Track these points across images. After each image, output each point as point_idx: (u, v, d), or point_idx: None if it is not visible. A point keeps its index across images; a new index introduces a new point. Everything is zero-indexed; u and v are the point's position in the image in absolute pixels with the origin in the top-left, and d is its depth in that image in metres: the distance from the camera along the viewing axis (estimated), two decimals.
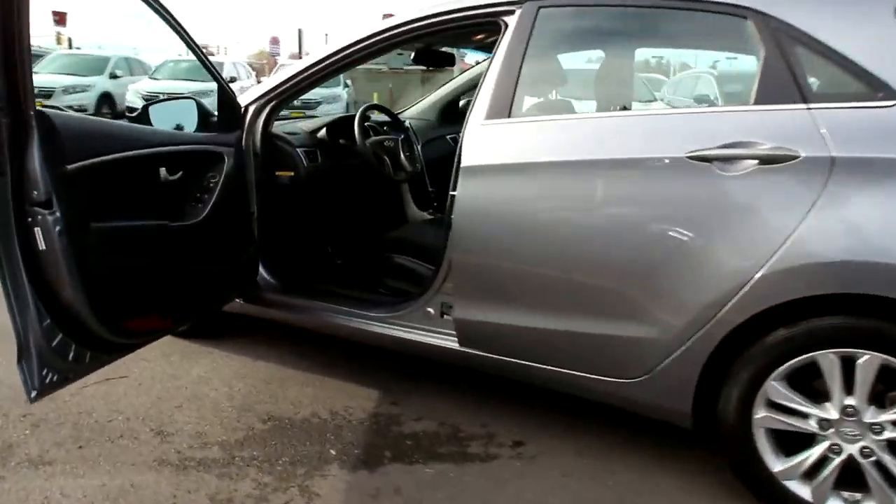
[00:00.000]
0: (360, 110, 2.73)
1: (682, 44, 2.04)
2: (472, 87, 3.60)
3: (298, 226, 2.67)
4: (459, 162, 2.03)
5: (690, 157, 1.68)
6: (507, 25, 2.04)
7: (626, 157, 1.79)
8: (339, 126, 2.79)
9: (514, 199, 1.95)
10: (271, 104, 2.46)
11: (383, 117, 3.10)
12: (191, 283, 2.07)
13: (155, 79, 12.81)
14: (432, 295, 2.19)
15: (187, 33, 2.05)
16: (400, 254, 2.59)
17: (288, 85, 2.43)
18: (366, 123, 2.79)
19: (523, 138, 1.97)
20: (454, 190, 2.04)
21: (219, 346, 2.75)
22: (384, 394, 2.42)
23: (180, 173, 2.05)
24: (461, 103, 3.75)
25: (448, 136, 3.66)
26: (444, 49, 2.98)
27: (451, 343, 2.15)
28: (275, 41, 30.92)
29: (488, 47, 3.17)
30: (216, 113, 2.34)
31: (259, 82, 14.04)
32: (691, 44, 2.00)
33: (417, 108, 3.82)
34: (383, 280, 2.61)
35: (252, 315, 2.63)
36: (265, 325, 2.70)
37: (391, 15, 2.42)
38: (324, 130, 2.75)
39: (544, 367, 1.99)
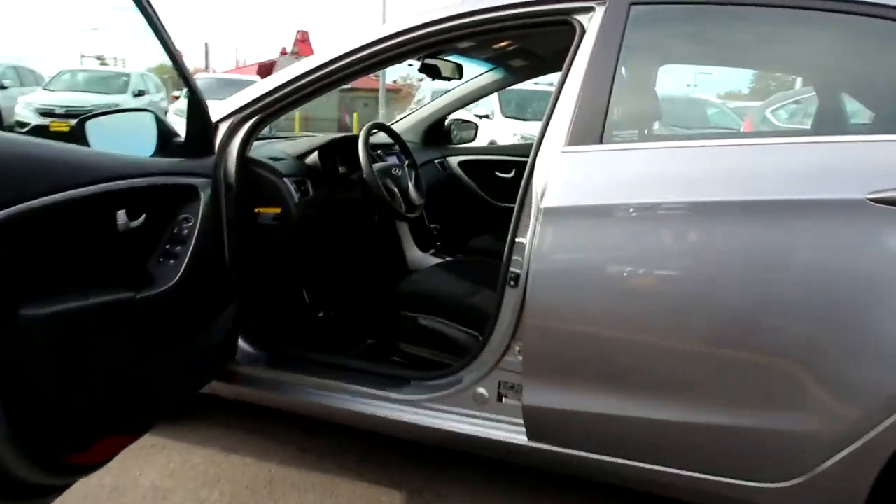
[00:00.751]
0: (363, 130, 2.18)
1: (823, 52, 1.61)
2: (462, 104, 3.14)
3: (285, 278, 2.08)
4: (526, 198, 1.56)
5: (874, 200, 1.27)
6: (582, 28, 1.58)
7: (779, 198, 1.36)
8: (335, 149, 2.23)
9: (621, 250, 1.47)
10: (251, 121, 1.87)
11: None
12: (163, 374, 1.45)
13: (50, 90, 11.44)
14: (486, 371, 1.67)
15: (166, 33, 1.44)
16: (418, 311, 2.05)
17: (275, 97, 1.85)
18: None
19: (626, 171, 1.50)
20: (523, 235, 1.55)
21: (174, 436, 2.09)
22: (415, 496, 1.86)
23: (143, 217, 1.43)
24: (447, 122, 3.27)
25: (436, 161, 3.17)
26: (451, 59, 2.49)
27: (515, 436, 1.64)
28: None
29: (496, 59, 2.72)
30: (181, 132, 1.72)
31: (175, 98, 12.96)
32: (834, 52, 1.56)
33: (396, 128, 3.29)
34: (399, 346, 2.06)
35: (224, 397, 2.00)
36: (235, 404, 2.07)
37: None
38: (315, 155, 2.18)
39: (653, 468, 1.51)
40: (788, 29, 1.58)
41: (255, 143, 1.96)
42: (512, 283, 1.58)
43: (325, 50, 1.84)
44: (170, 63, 1.55)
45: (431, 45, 1.78)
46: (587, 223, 1.49)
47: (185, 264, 1.47)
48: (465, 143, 3.43)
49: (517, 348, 1.61)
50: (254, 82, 2.30)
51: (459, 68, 2.53)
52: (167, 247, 1.48)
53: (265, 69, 17.57)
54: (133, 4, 1.28)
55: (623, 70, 1.56)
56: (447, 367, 1.77)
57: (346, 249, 2.39)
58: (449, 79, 2.50)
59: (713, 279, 1.40)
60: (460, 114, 3.36)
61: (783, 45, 1.72)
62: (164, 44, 1.41)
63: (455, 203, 3.15)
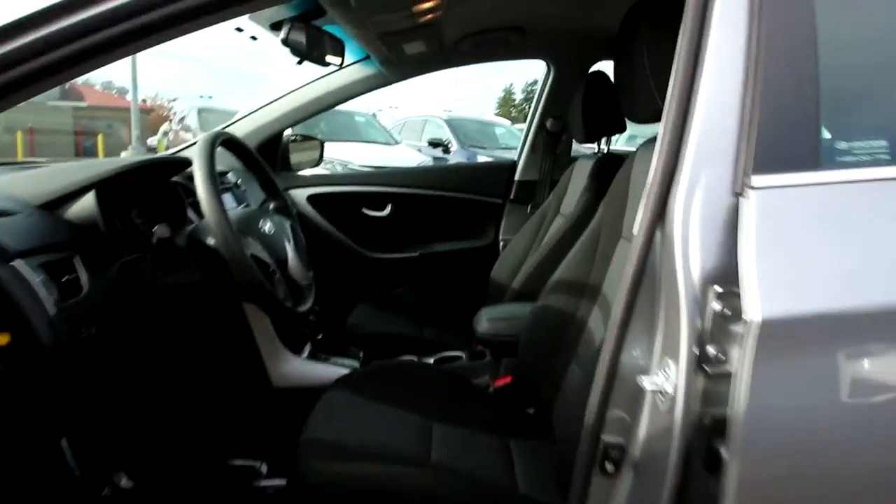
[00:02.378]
0: (204, 144, 1.06)
1: None
2: (309, 112, 2.13)
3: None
4: (660, 300, 0.69)
5: None
6: None
7: None
8: (126, 186, 1.09)
9: None
10: None
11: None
12: None
13: None
14: None
15: None
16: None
17: None
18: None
19: None
20: (707, 364, 0.67)
21: None
22: None
23: None
24: (285, 138, 2.21)
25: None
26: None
27: None
28: None
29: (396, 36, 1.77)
30: None
31: None
32: None
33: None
34: None
35: None
36: None
37: None
38: (90, 200, 1.02)
39: None
40: None
41: None
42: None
43: None
44: None
45: None
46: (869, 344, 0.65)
47: None
48: (304, 168, 2.38)
49: None
50: None
51: (341, 46, 1.54)
52: None
53: None
54: None
55: (825, 19, 0.75)
56: None
57: (159, 384, 1.25)
58: (325, 62, 1.50)
59: None
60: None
61: None
62: None
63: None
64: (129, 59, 13.60)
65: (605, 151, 1.83)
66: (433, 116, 9.62)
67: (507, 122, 10.61)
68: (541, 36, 2.01)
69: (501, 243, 2.30)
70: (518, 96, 48.65)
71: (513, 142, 9.05)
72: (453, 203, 2.31)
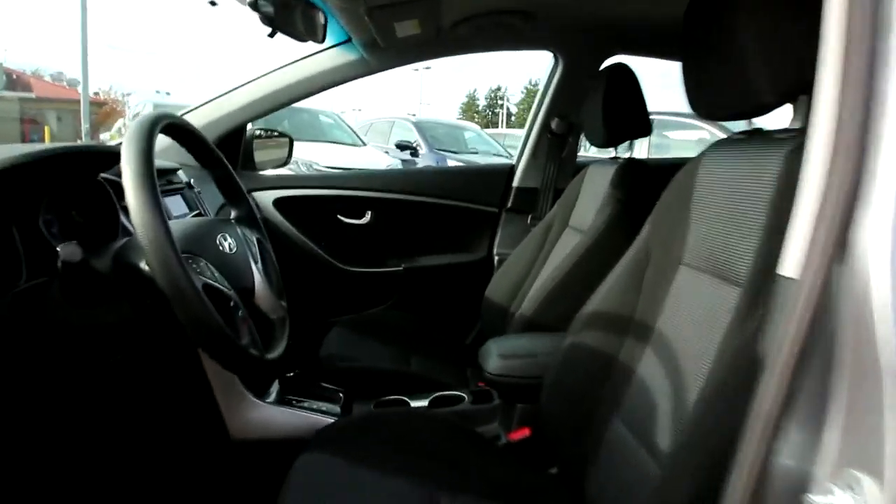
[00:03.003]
0: (138, 129, 0.75)
1: None
2: (272, 107, 1.83)
3: None
4: None
5: None
6: None
7: None
8: (40, 184, 0.78)
9: None
10: None
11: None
12: None
13: None
14: None
15: None
16: None
17: None
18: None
19: None
20: None
21: None
22: None
23: None
24: (249, 133, 1.90)
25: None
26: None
27: None
28: None
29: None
30: None
31: None
32: None
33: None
34: None
35: None
36: None
37: None
38: None
39: None
40: None
41: None
42: None
43: None
44: None
45: None
46: None
47: None
48: (270, 167, 2.07)
49: None
50: None
51: (322, 19, 1.25)
52: None
53: None
54: None
55: None
56: None
57: (75, 446, 0.94)
58: (302, 36, 1.20)
59: None
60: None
61: None
62: None
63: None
64: (79, 49, 12.88)
65: (628, 156, 1.58)
66: (401, 119, 9.40)
67: (477, 127, 10.41)
68: (551, 24, 1.75)
69: (496, 258, 2.03)
70: (482, 103, 48.81)
71: (482, 146, 8.89)
72: (442, 211, 2.03)
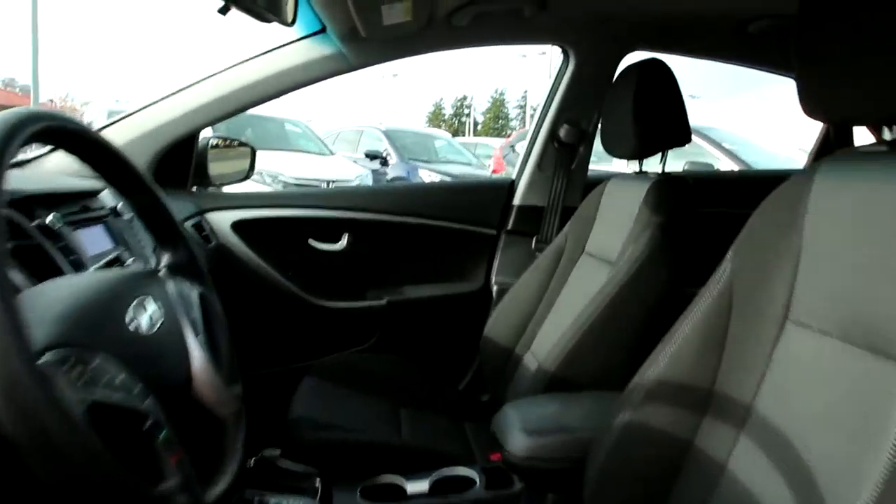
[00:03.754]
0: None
1: None
2: (231, 110, 1.52)
3: None
4: None
5: None
6: None
7: None
8: None
9: None
10: None
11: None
12: None
13: None
14: None
15: None
16: None
17: None
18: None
19: None
20: None
21: None
22: None
23: None
24: (202, 142, 1.57)
25: (188, 221, 1.47)
26: None
27: None
28: None
29: None
30: None
31: None
32: None
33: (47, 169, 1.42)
34: None
35: None
36: None
37: None
38: None
39: None
40: None
41: None
42: None
43: None
44: None
45: None
46: None
47: None
48: (228, 182, 1.75)
49: None
50: None
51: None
52: None
53: None
54: None
55: None
56: None
57: None
58: (263, 15, 0.90)
59: None
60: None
61: None
62: None
63: (231, 305, 1.45)
64: (30, 54, 12.20)
65: (661, 171, 1.31)
66: (370, 127, 9.12)
67: (448, 135, 10.16)
68: (564, 13, 1.48)
69: (495, 288, 1.75)
70: (448, 112, 48.72)
71: (454, 155, 8.65)
72: (432, 233, 1.74)
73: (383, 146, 8.26)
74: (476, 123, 45.15)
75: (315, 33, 1.47)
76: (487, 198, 1.78)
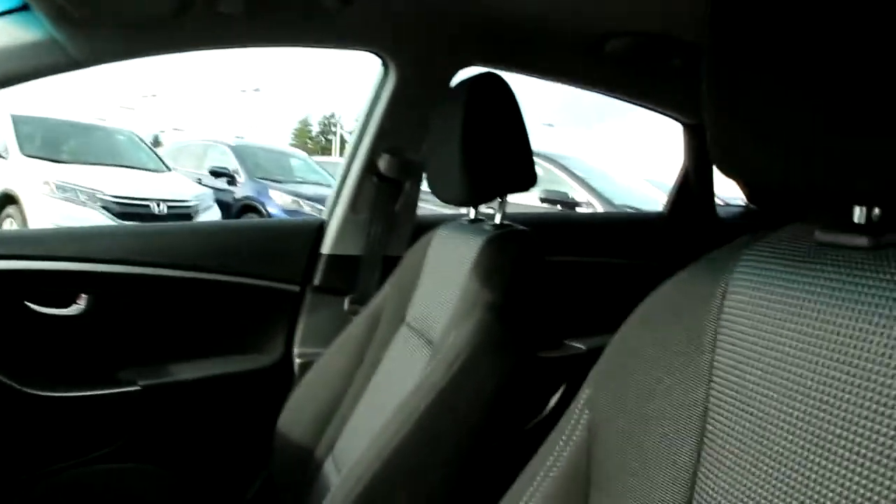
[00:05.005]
0: None
1: None
2: None
3: None
4: None
5: None
6: None
7: None
8: None
9: None
10: None
11: None
12: None
13: None
14: None
15: None
16: None
17: None
18: None
19: None
20: None
21: None
22: None
23: None
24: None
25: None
26: None
27: None
28: None
29: None
30: None
31: None
32: None
33: None
34: None
35: None
36: None
37: None
38: None
39: None
40: None
41: None
42: None
43: None
44: None
45: None
46: None
47: None
48: None
49: None
50: None
51: None
52: None
53: None
54: None
55: None
56: None
57: None
58: None
59: None
60: None
61: None
62: None
63: None
64: None
65: (500, 220, 1.00)
66: (217, 142, 8.38)
67: (304, 154, 9.59)
68: (377, 7, 1.13)
69: (297, 361, 1.35)
70: (315, 129, 47.60)
71: (311, 175, 8.17)
72: (209, 290, 1.30)
73: (232, 163, 7.60)
74: (344, 142, 44.49)
75: (14, 10, 1.01)
76: (290, 244, 1.37)
